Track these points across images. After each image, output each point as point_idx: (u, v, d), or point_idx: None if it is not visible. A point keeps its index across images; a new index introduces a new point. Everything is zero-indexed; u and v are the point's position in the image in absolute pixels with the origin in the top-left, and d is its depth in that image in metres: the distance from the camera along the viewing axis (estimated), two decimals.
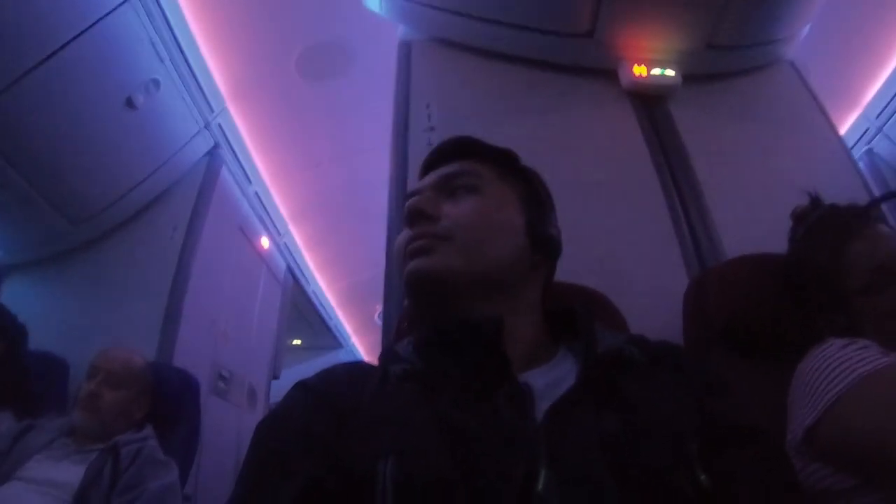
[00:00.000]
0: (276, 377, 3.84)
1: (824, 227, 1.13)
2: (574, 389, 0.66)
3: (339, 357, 6.02)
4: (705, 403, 0.68)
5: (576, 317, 0.80)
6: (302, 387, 0.74)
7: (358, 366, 0.81)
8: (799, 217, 1.20)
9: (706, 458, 0.61)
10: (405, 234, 0.84)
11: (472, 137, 0.95)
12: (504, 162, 0.93)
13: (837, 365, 0.87)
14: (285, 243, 4.09)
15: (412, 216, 0.83)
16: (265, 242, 3.73)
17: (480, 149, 0.94)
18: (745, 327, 1.20)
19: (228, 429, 2.95)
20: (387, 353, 0.79)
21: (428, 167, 0.95)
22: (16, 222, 2.47)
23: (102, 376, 1.77)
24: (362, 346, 6.46)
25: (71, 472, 1.56)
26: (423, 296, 0.81)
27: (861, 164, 2.88)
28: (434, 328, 0.79)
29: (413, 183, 1.66)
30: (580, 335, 0.76)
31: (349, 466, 0.60)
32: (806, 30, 2.27)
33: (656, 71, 2.02)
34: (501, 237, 0.82)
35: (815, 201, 1.20)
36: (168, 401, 1.93)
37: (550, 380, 0.71)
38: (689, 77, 2.06)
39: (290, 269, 4.24)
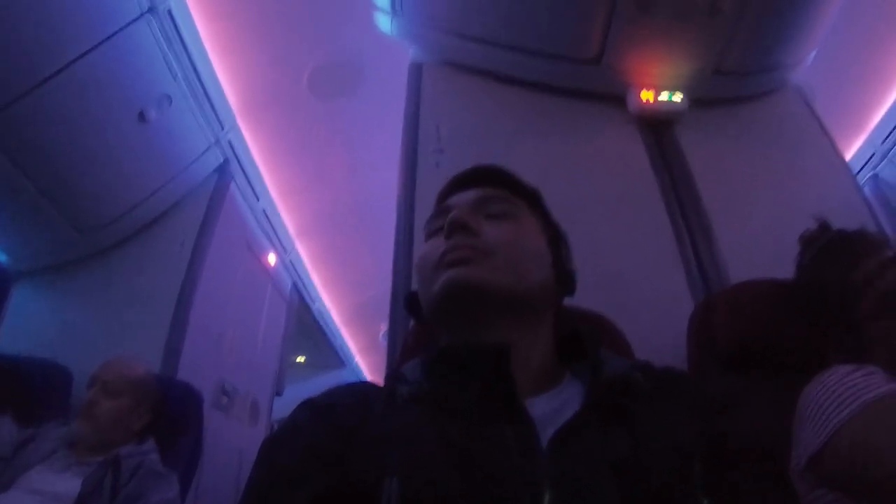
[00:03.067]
0: (279, 394, 3.83)
1: (833, 251, 1.13)
2: (578, 416, 0.67)
3: (343, 375, 5.99)
4: (709, 426, 0.69)
5: (582, 341, 0.81)
6: (309, 405, 0.74)
7: (364, 386, 0.81)
8: (807, 242, 1.20)
9: (710, 480, 0.61)
10: (436, 244, 0.84)
11: (505, 168, 0.95)
12: (532, 199, 0.95)
13: (843, 391, 0.87)
14: (291, 260, 4.09)
15: (454, 227, 0.81)
16: (272, 259, 3.73)
17: (512, 181, 0.94)
18: (750, 352, 1.20)
19: (230, 444, 2.94)
20: (393, 374, 0.80)
21: (455, 187, 0.95)
22: (25, 229, 2.47)
23: (100, 385, 1.78)
24: (366, 365, 6.43)
25: (71, 484, 1.56)
26: (459, 306, 0.78)
27: (866, 190, 2.89)
28: (443, 351, 0.79)
29: (422, 204, 1.68)
30: (586, 360, 0.77)
31: (354, 482, 0.61)
32: (812, 55, 2.29)
33: (664, 96, 2.04)
34: (537, 264, 0.84)
35: (824, 226, 1.19)
36: (171, 413, 1.92)
37: (556, 405, 0.71)
38: (696, 102, 2.08)
39: (295, 287, 4.24)
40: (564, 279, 0.89)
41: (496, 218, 0.85)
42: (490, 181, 0.93)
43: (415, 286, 0.93)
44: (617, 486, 0.59)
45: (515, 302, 0.78)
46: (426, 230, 0.92)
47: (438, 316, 0.82)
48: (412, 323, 1.14)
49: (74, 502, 1.51)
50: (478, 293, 0.77)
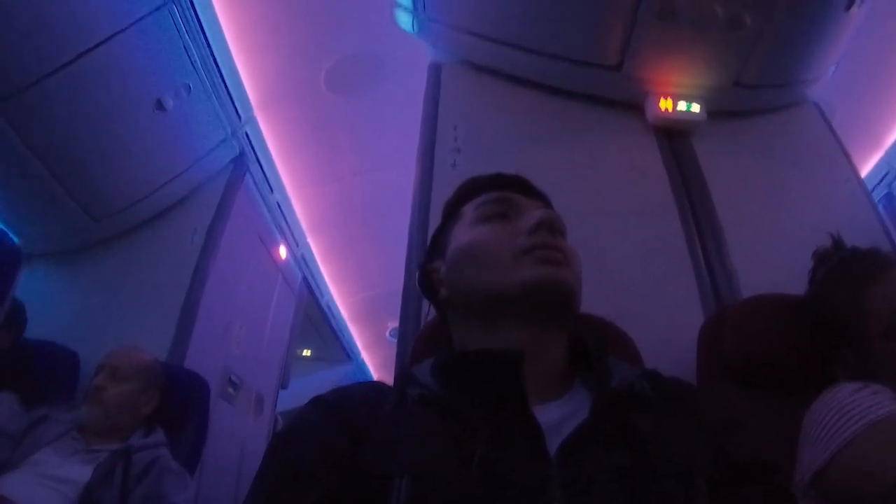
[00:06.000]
0: (284, 387, 3.84)
1: (845, 269, 1.13)
2: (586, 424, 0.67)
3: (348, 370, 5.99)
4: (717, 440, 0.69)
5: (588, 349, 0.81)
6: (319, 402, 0.74)
7: (374, 386, 0.81)
8: (820, 258, 1.20)
9: (717, 494, 0.61)
10: (503, 232, 0.85)
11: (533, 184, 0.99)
12: None
13: (849, 409, 0.87)
14: (302, 254, 4.10)
15: (545, 226, 0.83)
16: (283, 252, 3.74)
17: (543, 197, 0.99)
18: (759, 366, 1.20)
19: (234, 434, 2.95)
20: (404, 376, 0.80)
21: (497, 184, 0.96)
22: (37, 213, 2.48)
23: (107, 371, 1.79)
24: (372, 361, 6.42)
25: (79, 470, 1.57)
26: (549, 303, 0.79)
27: (880, 208, 2.87)
28: (455, 355, 0.80)
29: (437, 203, 1.68)
30: (593, 369, 0.78)
31: (364, 483, 0.61)
32: (831, 71, 2.28)
33: (682, 106, 2.03)
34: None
35: (838, 243, 1.19)
36: (177, 401, 1.94)
37: (565, 412, 0.71)
38: (714, 113, 2.07)
39: (305, 280, 4.24)
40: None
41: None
42: (533, 194, 0.97)
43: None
44: (624, 496, 0.60)
45: (575, 310, 0.83)
46: (480, 213, 0.91)
47: (513, 305, 0.81)
48: (424, 321, 1.14)
49: (83, 490, 1.52)
50: (570, 294, 0.80)
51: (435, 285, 0.94)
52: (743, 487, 0.65)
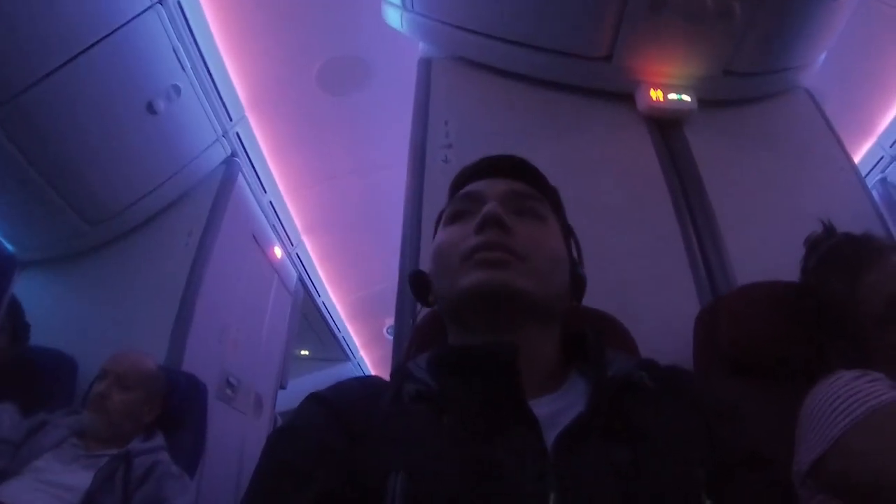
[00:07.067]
0: (282, 387, 3.83)
1: (838, 255, 1.13)
2: (583, 417, 0.66)
3: (347, 369, 6.00)
4: (714, 429, 0.69)
5: (586, 341, 0.81)
6: (316, 399, 0.74)
7: (370, 381, 0.81)
8: (813, 245, 1.20)
9: (714, 483, 0.61)
10: (462, 232, 0.83)
11: (532, 164, 0.95)
12: (554, 198, 0.95)
13: (847, 397, 0.87)
14: (297, 254, 4.10)
15: (490, 223, 0.79)
16: (278, 252, 3.74)
17: (539, 177, 0.95)
18: (755, 354, 1.20)
19: (233, 436, 2.95)
20: (400, 371, 0.79)
21: (480, 173, 0.94)
22: (32, 220, 2.47)
23: (112, 378, 1.79)
24: (370, 359, 6.43)
25: (79, 476, 1.58)
26: (487, 308, 0.77)
27: (874, 193, 2.88)
28: (450, 350, 0.80)
29: (430, 199, 1.68)
30: (590, 360, 0.77)
31: (360, 479, 0.61)
32: (822, 57, 2.28)
33: (673, 96, 2.04)
34: (561, 270, 0.84)
35: (830, 229, 1.19)
36: (175, 404, 1.94)
37: (561, 406, 0.71)
38: (705, 102, 2.07)
39: (301, 280, 4.24)
40: (576, 283, 0.89)
41: (525, 215, 0.85)
42: (517, 174, 0.92)
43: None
44: (621, 487, 0.60)
45: (539, 307, 0.78)
46: (448, 213, 0.90)
47: (460, 311, 0.81)
48: (419, 316, 1.14)
49: (85, 496, 1.52)
50: (508, 298, 0.76)
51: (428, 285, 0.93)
52: (739, 475, 0.65)
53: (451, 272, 0.81)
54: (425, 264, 0.96)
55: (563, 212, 0.97)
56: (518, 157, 0.95)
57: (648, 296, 1.58)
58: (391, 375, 0.82)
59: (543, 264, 0.80)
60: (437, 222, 0.98)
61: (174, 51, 2.39)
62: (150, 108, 2.41)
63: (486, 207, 0.81)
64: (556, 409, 0.70)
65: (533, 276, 0.78)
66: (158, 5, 2.22)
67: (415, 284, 0.95)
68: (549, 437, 0.64)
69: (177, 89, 2.49)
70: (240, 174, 3.17)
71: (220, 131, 2.90)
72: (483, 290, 0.76)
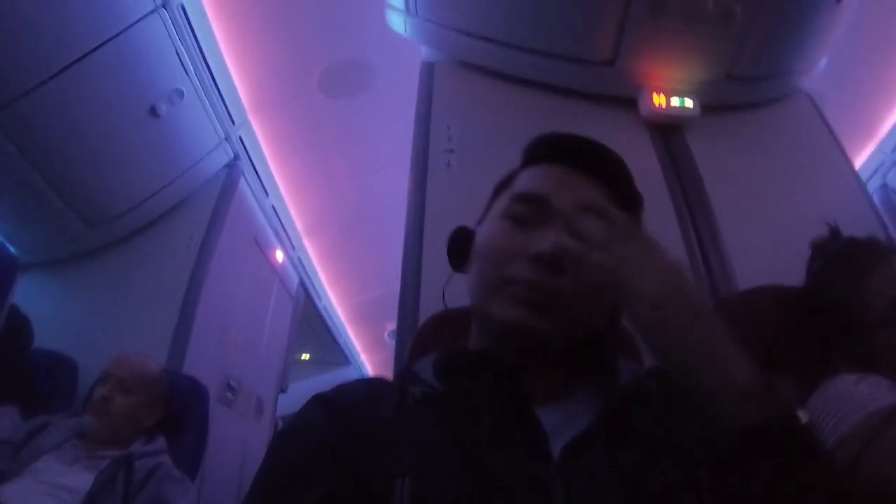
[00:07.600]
0: (283, 390, 3.83)
1: (843, 259, 1.13)
2: (592, 427, 0.66)
3: (347, 373, 5.98)
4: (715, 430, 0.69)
5: (600, 350, 0.80)
6: (320, 400, 0.73)
7: (375, 382, 0.80)
8: (817, 248, 1.20)
9: (716, 483, 0.61)
10: (517, 250, 0.75)
11: (624, 165, 0.87)
12: (635, 208, 0.88)
13: (847, 402, 0.87)
14: (299, 257, 4.10)
15: (548, 260, 0.71)
16: (279, 256, 3.74)
17: (623, 182, 0.86)
18: (757, 357, 1.20)
19: (234, 440, 2.94)
20: (406, 373, 0.79)
21: (558, 154, 0.85)
22: (33, 222, 2.48)
23: (114, 382, 1.78)
24: (370, 363, 6.42)
25: (80, 478, 1.57)
26: (519, 346, 0.74)
27: (875, 198, 2.88)
28: (456, 353, 0.79)
29: (432, 204, 1.68)
30: (602, 370, 0.76)
31: (366, 482, 0.61)
32: (823, 62, 2.28)
33: (675, 101, 2.04)
34: (605, 309, 0.78)
35: (835, 233, 1.19)
36: (177, 407, 1.93)
37: (570, 414, 0.71)
38: (707, 107, 2.08)
39: (302, 284, 4.23)
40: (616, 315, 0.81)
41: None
42: (602, 172, 0.83)
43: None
44: (625, 492, 0.59)
45: (563, 343, 0.75)
46: (507, 209, 0.81)
47: (486, 326, 0.79)
48: (422, 321, 1.14)
49: (85, 498, 1.52)
50: (535, 341, 0.73)
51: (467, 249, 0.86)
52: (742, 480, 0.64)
53: (490, 285, 0.76)
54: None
55: (642, 221, 0.89)
56: (609, 153, 0.86)
57: None
58: (397, 377, 0.82)
59: (583, 311, 0.74)
60: (499, 187, 0.91)
61: (177, 54, 2.39)
62: (153, 112, 2.41)
63: (551, 243, 0.71)
64: (566, 416, 0.70)
65: (566, 321, 0.73)
66: (162, 9, 2.23)
67: (455, 241, 0.87)
68: (556, 446, 0.64)
69: (179, 93, 2.49)
70: (242, 178, 3.17)
71: (222, 135, 2.90)
72: (514, 329, 0.72)
